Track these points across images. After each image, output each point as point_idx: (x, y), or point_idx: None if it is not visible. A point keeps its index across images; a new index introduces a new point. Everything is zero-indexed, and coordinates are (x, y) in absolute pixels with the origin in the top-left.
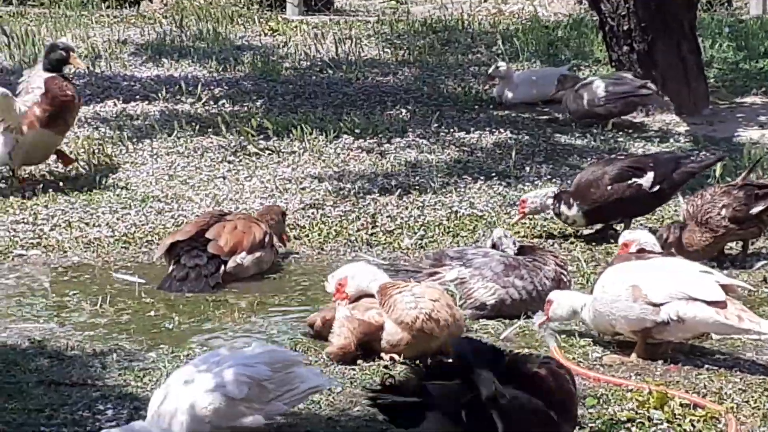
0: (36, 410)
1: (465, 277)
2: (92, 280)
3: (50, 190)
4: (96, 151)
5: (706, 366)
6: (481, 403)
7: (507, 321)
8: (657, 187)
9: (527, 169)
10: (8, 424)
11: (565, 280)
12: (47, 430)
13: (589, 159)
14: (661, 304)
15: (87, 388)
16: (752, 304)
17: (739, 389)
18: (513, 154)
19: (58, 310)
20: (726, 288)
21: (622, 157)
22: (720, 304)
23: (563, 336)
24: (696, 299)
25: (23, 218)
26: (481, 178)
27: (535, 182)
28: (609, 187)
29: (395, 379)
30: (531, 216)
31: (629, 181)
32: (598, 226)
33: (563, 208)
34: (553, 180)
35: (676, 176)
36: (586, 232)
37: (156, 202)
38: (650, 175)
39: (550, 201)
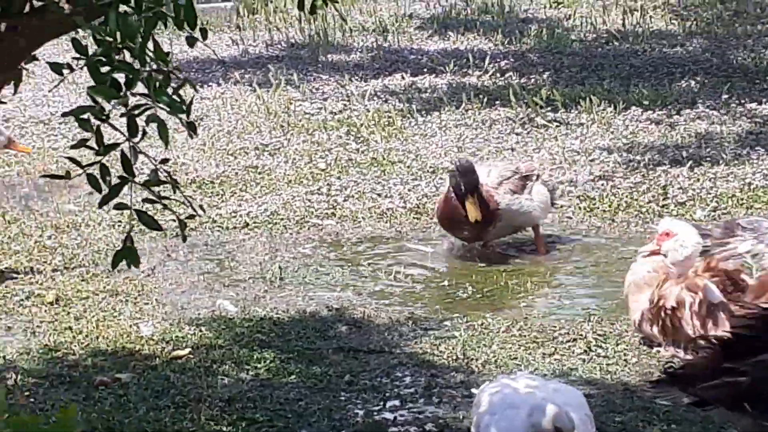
0: (336, 376)
1: (758, 252)
2: (386, 250)
3: (342, 160)
4: (386, 123)
5: None
6: (762, 386)
7: None
8: None
9: None
10: (310, 388)
11: None
12: (347, 395)
13: None
14: None
15: (385, 355)
16: None
17: None
18: None
19: (354, 279)
20: None
21: None
22: None
23: None
24: None
25: (318, 189)
26: None
27: None
28: None
29: (675, 369)
30: None
31: None
32: None
33: None
34: None
35: None
36: None
37: (445, 174)
38: None
39: None
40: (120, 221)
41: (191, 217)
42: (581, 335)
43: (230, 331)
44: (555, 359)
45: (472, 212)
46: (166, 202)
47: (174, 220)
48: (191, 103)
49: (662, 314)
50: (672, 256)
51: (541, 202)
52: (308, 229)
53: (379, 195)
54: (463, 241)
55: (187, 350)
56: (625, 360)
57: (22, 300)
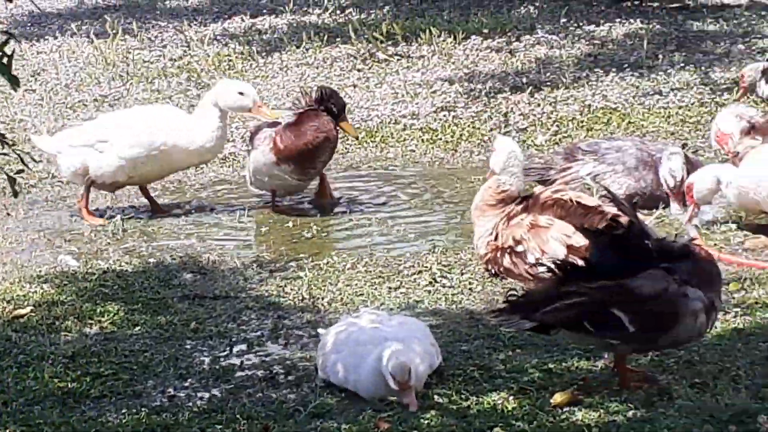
0: (182, 324)
1: (598, 173)
2: (230, 194)
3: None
4: (227, 67)
5: None
6: (599, 305)
7: (645, 211)
8: None
9: (660, 58)
10: (155, 338)
11: None
12: (193, 342)
13: (722, 44)
14: None
15: (230, 300)
16: None
17: None
18: (645, 44)
19: (198, 226)
20: None
21: None
22: None
23: (704, 223)
24: None
25: None
26: (613, 70)
27: (668, 71)
28: None
29: (517, 297)
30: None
31: None
32: None
33: (762, 81)
34: (687, 67)
35: None
36: None
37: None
38: None
39: (760, 71)
40: None
41: (20, 171)
42: (426, 267)
43: (73, 286)
44: (401, 293)
45: (352, 130)
46: None
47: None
48: (12, 56)
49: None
50: (495, 167)
51: None
52: None
53: None
54: (291, 186)
55: (29, 308)
56: (470, 289)
57: None
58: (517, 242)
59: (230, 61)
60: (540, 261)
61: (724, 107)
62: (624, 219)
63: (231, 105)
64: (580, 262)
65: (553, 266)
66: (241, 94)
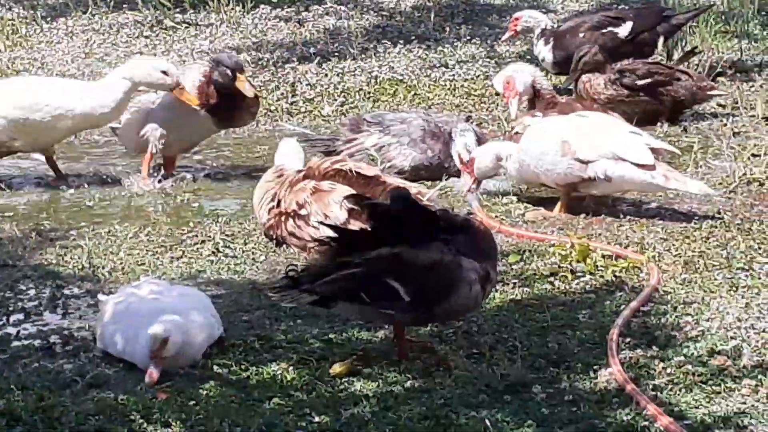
0: None
1: (384, 144)
2: (9, 162)
3: None
4: (10, 32)
5: (628, 217)
6: (375, 276)
7: (429, 183)
8: (633, 36)
9: (447, 30)
10: None
11: None
12: None
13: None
14: (589, 162)
15: (8, 269)
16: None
17: (661, 238)
18: (432, 16)
19: None
20: (654, 150)
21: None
22: (648, 167)
23: (485, 195)
24: (624, 160)
25: None
26: (401, 42)
27: (455, 44)
28: (582, 35)
29: (297, 271)
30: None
31: (603, 30)
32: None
33: (541, 43)
34: (473, 41)
35: (661, 29)
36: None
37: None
38: (628, 24)
39: (539, 30)
40: None
41: None
42: (209, 237)
43: None
44: (183, 262)
45: (250, 89)
46: None
47: None
48: None
49: (284, 218)
50: (277, 162)
51: None
52: None
53: None
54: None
55: None
56: (253, 259)
57: None
58: (300, 206)
59: (14, 25)
60: (322, 223)
61: (529, 64)
62: (404, 190)
63: (151, 82)
64: (359, 234)
65: (329, 239)
66: (164, 73)
